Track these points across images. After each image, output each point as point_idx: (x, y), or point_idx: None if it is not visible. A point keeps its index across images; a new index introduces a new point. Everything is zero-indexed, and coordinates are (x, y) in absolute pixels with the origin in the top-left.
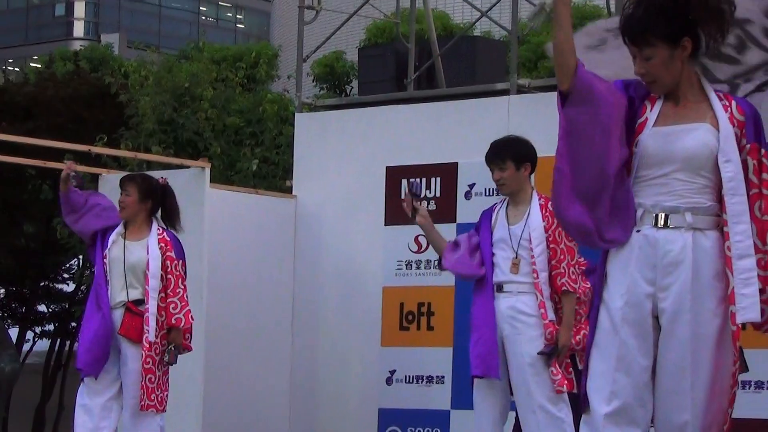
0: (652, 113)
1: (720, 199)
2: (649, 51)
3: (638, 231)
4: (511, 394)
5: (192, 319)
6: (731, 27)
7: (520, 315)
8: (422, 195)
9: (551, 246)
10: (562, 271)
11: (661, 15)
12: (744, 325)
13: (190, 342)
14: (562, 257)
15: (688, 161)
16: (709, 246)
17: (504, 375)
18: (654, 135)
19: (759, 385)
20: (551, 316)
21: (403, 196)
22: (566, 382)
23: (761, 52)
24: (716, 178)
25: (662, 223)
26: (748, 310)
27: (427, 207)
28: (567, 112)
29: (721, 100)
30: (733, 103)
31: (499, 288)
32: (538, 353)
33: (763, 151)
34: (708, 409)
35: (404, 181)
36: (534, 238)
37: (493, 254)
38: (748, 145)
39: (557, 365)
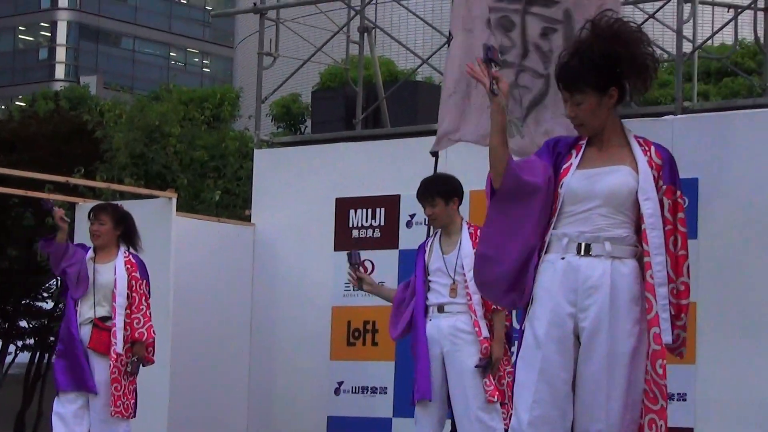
0: (576, 158)
1: (637, 232)
2: (580, 97)
3: (563, 258)
4: (449, 404)
5: (154, 333)
6: (654, 80)
7: (459, 333)
8: (362, 260)
9: None
10: None
11: (593, 66)
12: None
13: (153, 355)
14: None
15: (609, 199)
16: (627, 273)
17: (443, 387)
18: (579, 176)
19: (670, 397)
20: (485, 333)
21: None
22: (498, 393)
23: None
24: (634, 215)
25: (584, 251)
26: (665, 333)
27: (372, 235)
28: (495, 204)
29: (641, 145)
30: (652, 148)
31: (440, 309)
32: (474, 366)
33: (678, 192)
34: (621, 420)
35: (346, 253)
36: (466, 265)
37: (429, 281)
38: (665, 186)
39: (491, 377)
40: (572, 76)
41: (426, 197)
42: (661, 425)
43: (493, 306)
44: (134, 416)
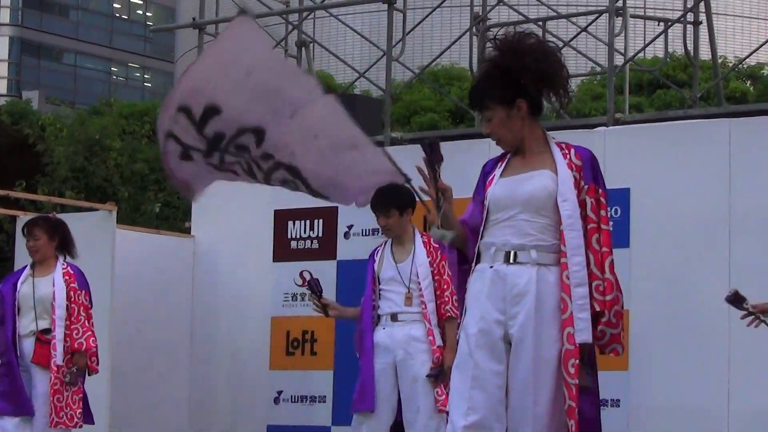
0: (499, 169)
1: (561, 237)
2: (489, 113)
3: (491, 267)
4: (399, 411)
5: (93, 343)
6: (569, 84)
7: (413, 341)
8: (322, 289)
9: (435, 278)
10: (446, 299)
11: (496, 82)
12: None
13: (97, 364)
14: (445, 287)
15: (528, 203)
16: (553, 280)
17: (393, 395)
18: (501, 184)
19: (604, 402)
20: (438, 341)
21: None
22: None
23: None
24: (556, 217)
25: (512, 259)
26: (583, 332)
27: (310, 246)
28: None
29: (561, 149)
30: (572, 150)
31: (394, 317)
32: (426, 376)
33: (600, 190)
34: (549, 424)
35: (307, 277)
36: (421, 273)
37: (381, 290)
38: (586, 186)
39: (443, 386)
40: (478, 94)
41: (382, 208)
42: (572, 425)
43: (447, 314)
44: (81, 425)
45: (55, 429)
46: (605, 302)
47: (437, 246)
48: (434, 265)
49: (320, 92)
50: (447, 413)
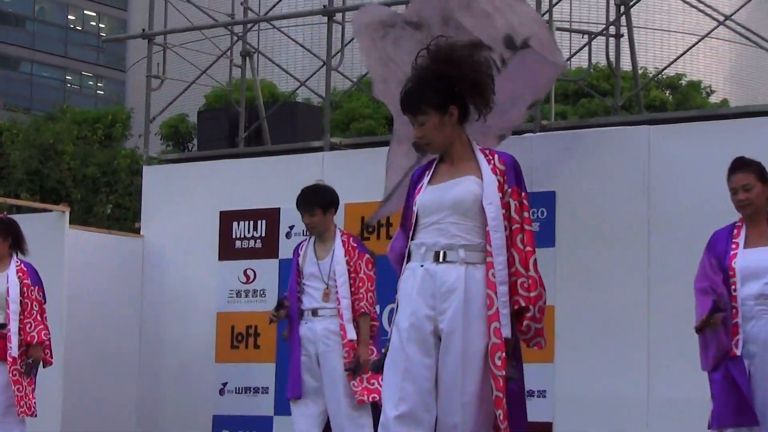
0: (427, 177)
1: (486, 237)
2: (423, 118)
3: (422, 266)
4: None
5: (45, 336)
6: (494, 97)
7: (332, 335)
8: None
9: (352, 275)
10: (361, 296)
11: (431, 88)
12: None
13: (51, 357)
14: (360, 285)
15: (456, 207)
16: (480, 278)
17: (320, 385)
18: (430, 191)
19: (530, 393)
20: (350, 335)
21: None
22: (366, 392)
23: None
24: (482, 219)
25: (441, 258)
26: (505, 327)
27: (254, 245)
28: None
29: (486, 156)
30: (496, 156)
31: (314, 313)
32: (345, 370)
33: (522, 193)
34: (477, 414)
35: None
36: (337, 271)
37: (304, 285)
38: (510, 189)
39: (359, 380)
40: (413, 99)
41: (306, 207)
42: (499, 414)
43: (361, 310)
44: (36, 415)
45: (11, 419)
46: (530, 298)
47: (355, 246)
48: (351, 264)
49: None
50: (371, 403)
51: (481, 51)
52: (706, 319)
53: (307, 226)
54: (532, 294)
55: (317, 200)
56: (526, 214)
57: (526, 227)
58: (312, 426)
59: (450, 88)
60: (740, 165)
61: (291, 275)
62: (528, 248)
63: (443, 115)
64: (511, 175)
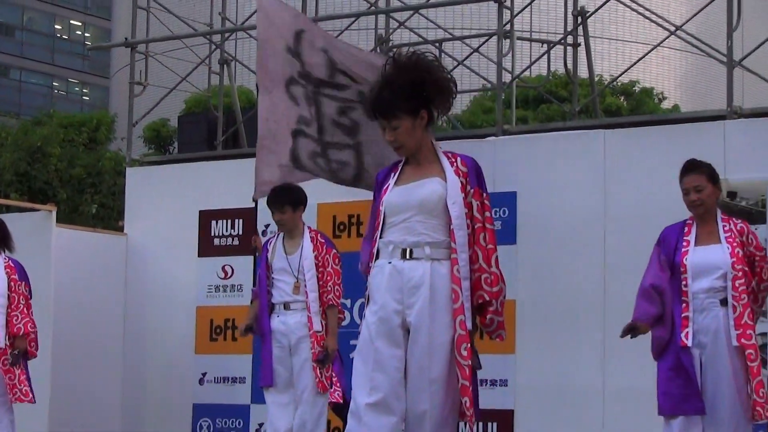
0: (393, 179)
1: (450, 234)
2: (396, 122)
3: (389, 263)
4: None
5: (31, 328)
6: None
7: (304, 327)
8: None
9: (320, 270)
10: (328, 289)
11: (404, 94)
12: (482, 334)
13: (36, 349)
14: (328, 278)
15: (422, 206)
16: (445, 273)
17: (291, 375)
18: (396, 192)
19: (493, 382)
20: (316, 327)
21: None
22: (328, 381)
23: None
24: (447, 218)
25: (408, 255)
26: (469, 320)
27: (231, 243)
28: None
29: (449, 158)
30: (458, 159)
31: (286, 306)
32: (314, 361)
33: (484, 194)
34: (444, 401)
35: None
36: (306, 265)
37: (274, 279)
38: (472, 190)
39: (326, 368)
40: (387, 104)
41: (276, 204)
42: (465, 401)
43: (329, 303)
44: (34, 401)
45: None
46: (493, 293)
47: (323, 241)
48: (319, 259)
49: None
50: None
51: (438, 62)
52: (622, 335)
53: (277, 223)
54: (495, 289)
55: (287, 198)
56: (487, 214)
57: (488, 226)
58: (285, 413)
59: (420, 94)
60: (692, 167)
61: (260, 270)
62: (490, 246)
63: (415, 119)
64: (473, 176)
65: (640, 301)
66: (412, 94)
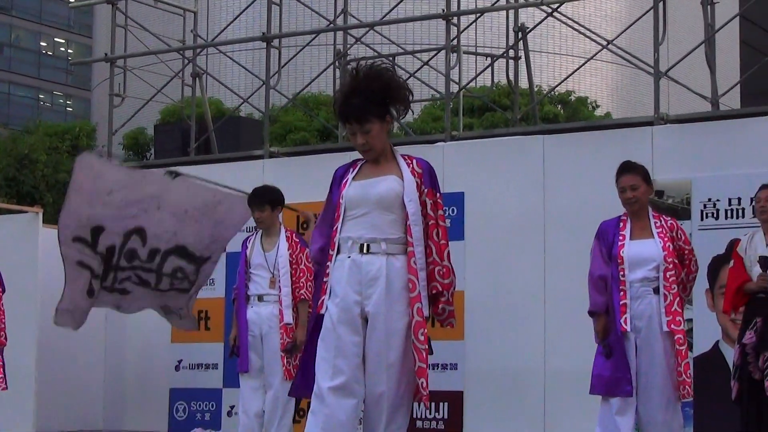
0: (352, 174)
1: (406, 230)
2: (369, 126)
3: (349, 257)
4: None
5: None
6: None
7: (275, 318)
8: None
9: (293, 266)
10: (301, 285)
11: (375, 100)
12: (433, 322)
13: (5, 339)
14: (301, 275)
15: (379, 202)
16: (399, 266)
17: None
18: (355, 186)
19: (444, 366)
20: (287, 320)
21: None
22: (289, 372)
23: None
24: (403, 214)
25: (366, 250)
26: (424, 307)
27: None
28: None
29: (405, 160)
30: (414, 161)
31: (260, 298)
32: (282, 351)
33: (437, 194)
34: (399, 383)
35: None
36: (280, 262)
37: (251, 273)
38: (426, 189)
39: (288, 360)
40: (359, 109)
41: (257, 203)
42: (422, 382)
43: (301, 297)
44: (6, 388)
45: None
46: (444, 284)
47: (297, 241)
48: (294, 256)
49: (168, 179)
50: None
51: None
52: (601, 338)
53: (256, 221)
54: (446, 281)
55: (267, 198)
56: (440, 212)
57: (441, 223)
58: (256, 397)
59: (385, 100)
60: (628, 167)
61: (240, 265)
62: (443, 241)
63: (383, 123)
64: (427, 177)
65: (593, 292)
66: (381, 100)
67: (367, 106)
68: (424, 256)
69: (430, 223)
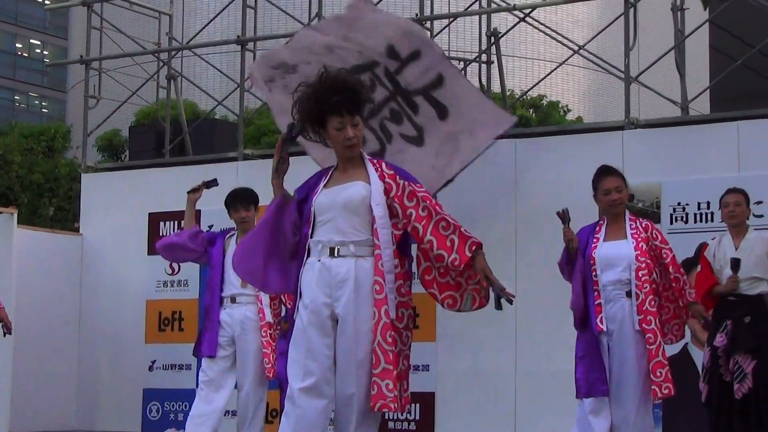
0: (322, 183)
1: (373, 233)
2: (357, 119)
3: (319, 260)
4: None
5: None
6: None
7: (247, 320)
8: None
9: None
10: None
11: (359, 97)
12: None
13: None
14: None
15: (346, 206)
16: (368, 268)
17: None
18: (324, 193)
19: (416, 368)
20: (268, 318)
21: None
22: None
23: (383, 89)
24: (370, 218)
25: (335, 253)
26: (391, 309)
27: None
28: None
29: (373, 164)
30: (383, 164)
31: (233, 299)
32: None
33: (418, 183)
34: (368, 385)
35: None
36: None
37: (226, 274)
38: (405, 183)
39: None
40: (351, 105)
41: (244, 203)
42: (387, 384)
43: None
44: None
45: None
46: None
47: None
48: None
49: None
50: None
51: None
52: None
53: (242, 220)
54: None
55: (252, 198)
56: (433, 201)
57: (435, 201)
58: (216, 397)
59: (362, 100)
60: (611, 171)
61: (215, 265)
62: (444, 213)
63: (361, 121)
64: (403, 173)
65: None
66: (359, 99)
67: (357, 99)
68: (391, 259)
69: (425, 204)
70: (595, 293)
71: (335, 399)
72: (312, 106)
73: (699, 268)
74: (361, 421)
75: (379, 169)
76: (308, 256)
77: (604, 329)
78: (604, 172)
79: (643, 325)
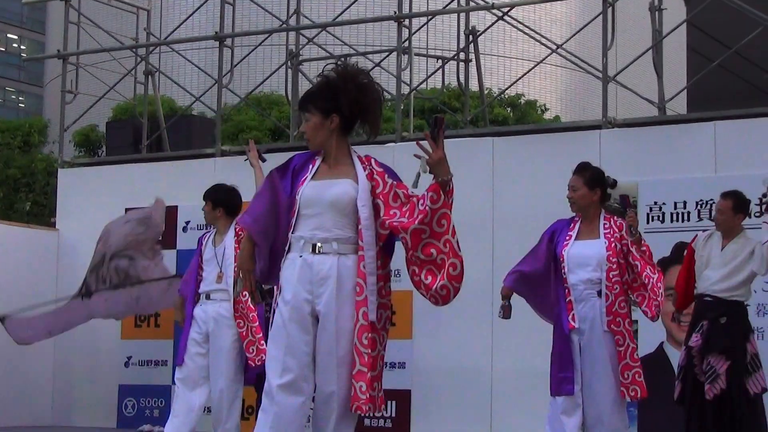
0: (310, 173)
1: (358, 233)
2: (308, 115)
3: (300, 256)
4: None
5: None
6: (380, 120)
7: (220, 317)
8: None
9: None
10: None
11: (321, 94)
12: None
13: None
14: None
15: (333, 204)
16: (350, 266)
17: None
18: (311, 186)
19: (392, 365)
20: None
21: None
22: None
23: None
24: (355, 217)
25: (317, 250)
26: (371, 312)
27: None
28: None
29: (362, 162)
30: (372, 161)
31: (207, 296)
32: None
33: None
34: (348, 382)
35: None
36: (227, 256)
37: (204, 270)
38: (394, 182)
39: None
40: (306, 98)
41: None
42: (360, 386)
43: None
44: None
45: None
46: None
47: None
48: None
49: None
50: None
51: (373, 82)
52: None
53: (210, 219)
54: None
55: (223, 197)
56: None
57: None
58: (192, 395)
59: (335, 98)
60: (577, 169)
61: (192, 261)
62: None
63: (325, 119)
64: (391, 173)
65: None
66: (327, 96)
67: (310, 96)
68: (374, 260)
69: (413, 200)
70: (566, 291)
71: (314, 396)
72: None
73: (683, 264)
74: (340, 419)
75: (368, 167)
76: (289, 251)
77: (576, 326)
78: (574, 169)
79: (612, 326)
